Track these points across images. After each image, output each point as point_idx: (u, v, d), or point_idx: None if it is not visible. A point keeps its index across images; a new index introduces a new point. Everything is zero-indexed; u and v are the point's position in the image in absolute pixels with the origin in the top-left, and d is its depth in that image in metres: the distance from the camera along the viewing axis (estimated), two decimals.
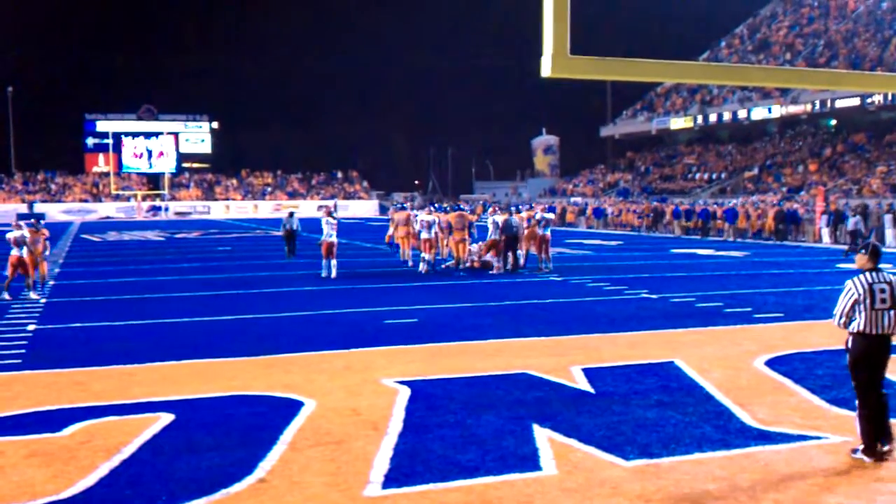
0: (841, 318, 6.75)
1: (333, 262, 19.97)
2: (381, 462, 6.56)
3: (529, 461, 6.56)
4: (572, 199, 59.82)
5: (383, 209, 79.84)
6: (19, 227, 17.26)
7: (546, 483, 6.12)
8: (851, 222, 27.22)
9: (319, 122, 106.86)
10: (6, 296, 16.47)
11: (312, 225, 48.59)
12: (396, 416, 7.87)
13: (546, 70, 3.79)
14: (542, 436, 7.20)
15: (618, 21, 74.87)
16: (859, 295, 6.63)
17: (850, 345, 6.71)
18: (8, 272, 16.67)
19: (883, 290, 6.61)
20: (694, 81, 4.66)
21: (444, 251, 23.23)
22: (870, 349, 6.58)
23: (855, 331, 6.65)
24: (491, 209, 26.29)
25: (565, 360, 10.23)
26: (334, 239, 19.95)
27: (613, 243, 33.95)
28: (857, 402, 6.67)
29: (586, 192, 65.67)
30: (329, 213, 20.90)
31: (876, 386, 6.57)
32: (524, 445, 6.95)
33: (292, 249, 26.10)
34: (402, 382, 9.14)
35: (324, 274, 19.95)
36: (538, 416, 7.77)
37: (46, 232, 18.48)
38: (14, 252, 16.67)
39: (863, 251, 6.91)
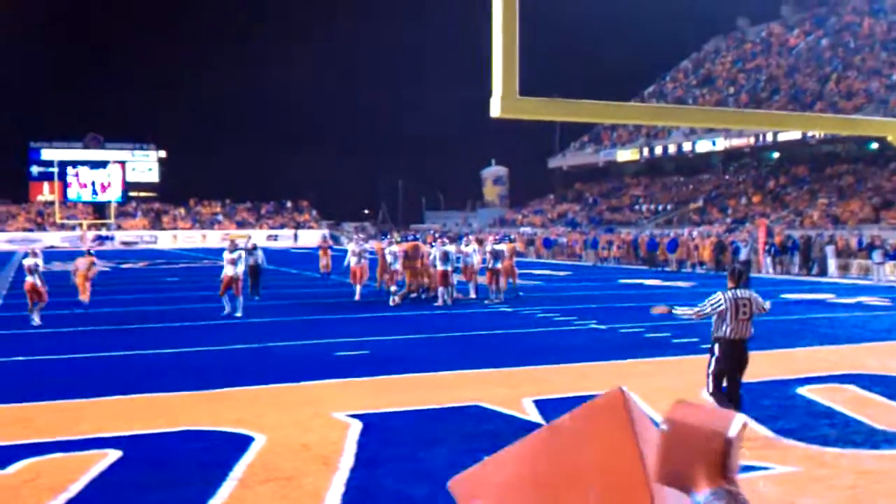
0: (701, 311, 8.36)
1: (239, 299, 18.67)
2: (333, 498, 6.52)
3: None
4: (521, 230, 60.20)
5: (334, 239, 79.64)
6: (35, 255, 18.04)
7: None
8: (744, 252, 27.77)
9: (269, 151, 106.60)
10: (36, 319, 17.40)
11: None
12: (348, 450, 7.84)
13: (495, 111, 3.85)
14: None
15: (563, 53, 75.91)
16: (726, 307, 8.16)
17: (716, 347, 8.32)
18: (28, 299, 17.54)
19: (745, 305, 8.19)
20: (641, 122, 4.75)
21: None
22: (732, 350, 8.24)
23: (721, 335, 8.24)
24: (466, 238, 26.40)
25: (517, 392, 10.28)
26: (240, 275, 18.76)
27: (562, 273, 34.22)
28: (710, 388, 8.44)
29: (534, 222, 66.17)
30: (234, 247, 19.31)
31: (729, 378, 8.36)
32: None
33: (256, 286, 22.57)
34: (353, 416, 9.11)
35: (226, 311, 18.64)
36: (490, 449, 7.73)
37: (94, 258, 20.90)
38: (28, 279, 17.46)
39: (728, 274, 8.64)
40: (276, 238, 77.35)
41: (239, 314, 18.46)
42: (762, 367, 12.06)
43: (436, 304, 20.70)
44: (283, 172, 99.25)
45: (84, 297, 19.91)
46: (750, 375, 11.26)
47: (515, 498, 2.82)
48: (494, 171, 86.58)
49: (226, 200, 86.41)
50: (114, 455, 7.71)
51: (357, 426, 8.68)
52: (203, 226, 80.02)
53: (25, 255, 18.75)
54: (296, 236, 77.84)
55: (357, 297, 21.31)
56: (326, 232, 78.96)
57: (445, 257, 20.81)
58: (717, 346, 8.32)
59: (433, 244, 22.25)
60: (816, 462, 7.46)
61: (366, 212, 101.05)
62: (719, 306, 8.17)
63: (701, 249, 35.97)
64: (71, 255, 53.32)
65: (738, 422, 2.08)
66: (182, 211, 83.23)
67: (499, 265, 21.70)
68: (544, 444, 2.86)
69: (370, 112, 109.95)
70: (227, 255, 18.95)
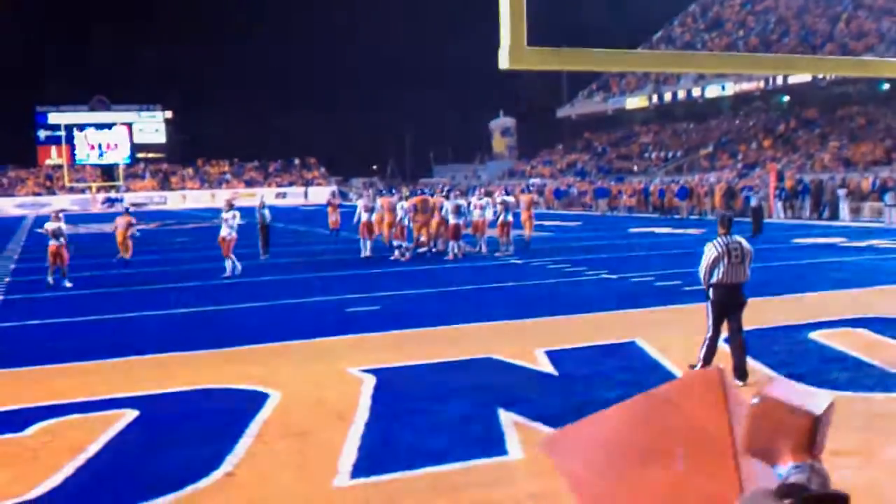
0: (705, 275, 8.70)
1: (230, 259, 18.41)
2: (349, 452, 6.58)
3: (496, 445, 6.63)
4: (531, 181, 60.01)
5: (342, 195, 79.55)
6: (57, 219, 18.27)
7: (513, 467, 6.20)
8: (755, 199, 27.54)
9: (276, 109, 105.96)
10: (50, 280, 17.77)
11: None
12: (363, 405, 7.89)
13: (503, 62, 3.80)
14: (508, 420, 7.27)
15: (568, 1, 74.96)
16: (719, 254, 8.58)
17: (711, 292, 8.71)
18: (49, 261, 17.84)
19: (736, 249, 8.62)
20: (651, 70, 4.69)
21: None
22: (727, 294, 8.63)
23: (715, 281, 8.64)
24: (479, 192, 26.07)
25: (529, 344, 10.31)
26: (234, 235, 18.36)
27: (572, 223, 34.16)
28: (708, 333, 8.74)
29: (544, 173, 65.93)
30: (230, 206, 18.82)
31: (729, 322, 8.71)
32: (491, 430, 7.02)
33: (266, 245, 22.52)
34: (367, 371, 9.16)
35: (226, 273, 18.36)
36: (504, 401, 7.83)
37: (132, 217, 21.81)
38: (52, 242, 17.64)
39: (718, 221, 9.04)
40: (284, 196, 77.33)
41: (228, 274, 18.26)
42: (773, 312, 12.06)
43: (446, 257, 20.69)
44: (290, 130, 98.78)
45: (126, 254, 21.18)
46: (761, 321, 11.29)
47: (606, 460, 2.93)
48: (502, 122, 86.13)
49: (234, 160, 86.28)
50: (130, 415, 7.79)
51: (371, 381, 8.73)
52: (211, 185, 79.99)
53: (47, 219, 18.95)
54: (306, 193, 77.84)
55: (368, 253, 21.29)
56: (335, 188, 78.93)
57: (458, 210, 20.77)
58: (711, 291, 8.74)
59: (448, 197, 22.08)
60: None
61: (374, 167, 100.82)
62: (712, 256, 8.61)
63: (713, 196, 35.83)
64: (82, 219, 53.46)
65: (826, 401, 2.13)
66: (190, 171, 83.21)
67: (510, 217, 21.63)
68: (639, 410, 2.97)
69: (377, 66, 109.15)
70: (224, 216, 18.76)
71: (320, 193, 78.52)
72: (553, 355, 9.65)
